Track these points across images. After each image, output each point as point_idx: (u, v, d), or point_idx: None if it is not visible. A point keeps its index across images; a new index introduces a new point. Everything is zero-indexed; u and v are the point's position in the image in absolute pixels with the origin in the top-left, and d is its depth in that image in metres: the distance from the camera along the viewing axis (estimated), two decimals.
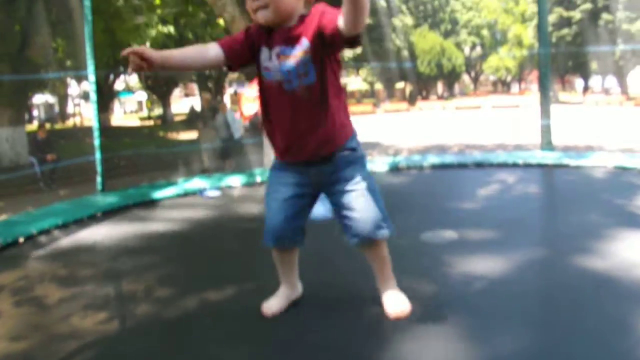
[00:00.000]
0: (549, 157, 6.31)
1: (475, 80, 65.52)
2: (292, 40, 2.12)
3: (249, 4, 2.12)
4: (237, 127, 13.13)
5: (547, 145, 7.12)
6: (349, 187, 2.24)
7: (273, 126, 2.26)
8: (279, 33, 2.15)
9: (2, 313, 2.71)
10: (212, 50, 2.19)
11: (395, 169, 6.39)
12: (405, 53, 47.51)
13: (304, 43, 2.11)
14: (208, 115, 13.77)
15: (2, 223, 4.72)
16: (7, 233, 4.13)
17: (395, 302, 2.34)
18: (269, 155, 9.44)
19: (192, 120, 33.11)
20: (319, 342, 2.17)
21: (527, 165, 6.05)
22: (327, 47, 2.09)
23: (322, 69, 2.13)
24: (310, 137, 2.19)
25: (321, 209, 3.33)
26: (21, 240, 4.07)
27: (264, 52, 2.19)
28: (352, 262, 2.79)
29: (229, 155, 12.97)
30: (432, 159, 6.73)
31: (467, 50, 60.73)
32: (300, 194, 2.31)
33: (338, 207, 2.29)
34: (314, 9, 2.13)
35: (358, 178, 2.25)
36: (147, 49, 2.08)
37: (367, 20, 1.95)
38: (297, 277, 2.52)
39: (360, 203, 2.23)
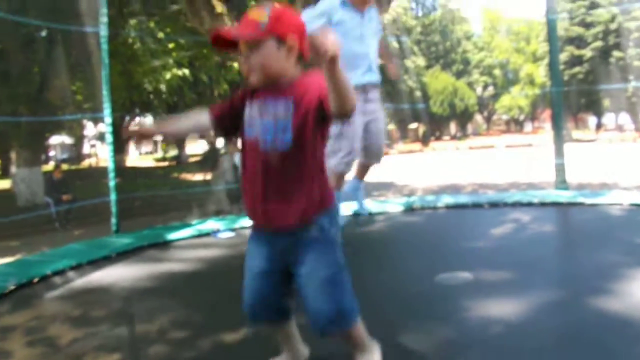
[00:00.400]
0: (563, 196, 6.27)
1: (488, 119, 65.61)
2: (276, 98, 2.07)
3: (243, 67, 2.11)
4: None
5: (561, 183, 7.09)
6: (305, 271, 2.07)
7: (245, 186, 2.16)
8: (265, 89, 2.10)
9: (14, 353, 2.71)
10: (203, 117, 2.21)
11: (409, 209, 6.37)
12: (418, 94, 47.83)
13: (288, 105, 2.05)
14: (211, 158, 13.86)
15: (17, 263, 4.74)
16: (22, 274, 4.14)
17: None
18: None
19: (206, 162, 33.30)
20: None
21: (542, 204, 6.02)
22: (323, 120, 2.03)
23: (302, 136, 2.03)
24: (278, 204, 2.07)
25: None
26: (35, 280, 4.09)
27: (247, 108, 2.15)
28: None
29: (238, 198, 12.98)
30: (447, 199, 6.71)
31: (479, 90, 60.97)
32: (270, 270, 2.15)
33: (298, 290, 2.13)
34: (310, 78, 2.07)
35: (317, 263, 2.07)
36: (143, 128, 2.22)
37: (354, 101, 1.90)
38: (299, 342, 2.35)
39: (312, 293, 2.06)
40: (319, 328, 2.06)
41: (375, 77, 4.16)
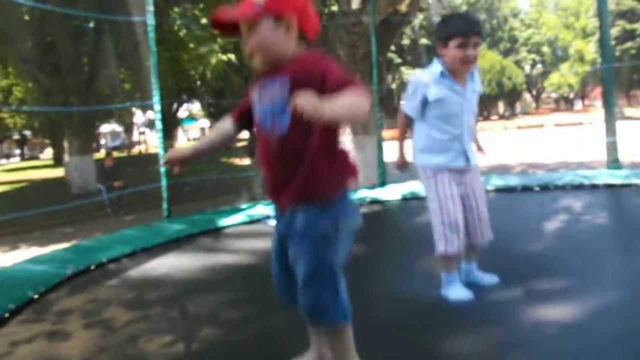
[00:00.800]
0: (616, 176, 6.14)
1: (537, 98, 64.40)
2: (274, 79, 2.02)
3: (244, 49, 2.07)
4: None
5: (613, 163, 6.94)
6: (291, 262, 2.04)
7: (261, 168, 2.15)
8: (266, 72, 2.06)
9: (73, 335, 2.81)
10: (227, 124, 2.23)
11: None
12: None
13: (285, 84, 1.98)
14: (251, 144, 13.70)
15: (74, 249, 4.87)
16: (79, 259, 4.27)
17: None
18: None
19: (253, 146, 33.47)
20: None
21: (593, 186, 5.89)
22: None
23: (301, 117, 1.82)
24: (278, 190, 2.05)
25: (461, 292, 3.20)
26: (92, 267, 4.21)
27: (253, 91, 2.13)
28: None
29: None
30: (496, 181, 6.63)
31: (527, 68, 59.83)
32: (279, 255, 2.15)
33: None
34: (311, 57, 2.01)
35: (299, 257, 2.01)
36: (180, 154, 2.23)
37: (364, 112, 1.83)
38: (325, 345, 2.19)
39: (301, 273, 2.00)
40: (305, 312, 2.03)
41: (468, 161, 3.46)
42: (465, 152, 3.41)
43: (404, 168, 3.61)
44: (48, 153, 46.53)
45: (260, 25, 1.98)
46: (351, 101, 1.81)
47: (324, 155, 1.99)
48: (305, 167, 1.97)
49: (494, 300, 2.98)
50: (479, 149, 3.73)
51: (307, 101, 1.71)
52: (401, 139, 3.57)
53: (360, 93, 1.84)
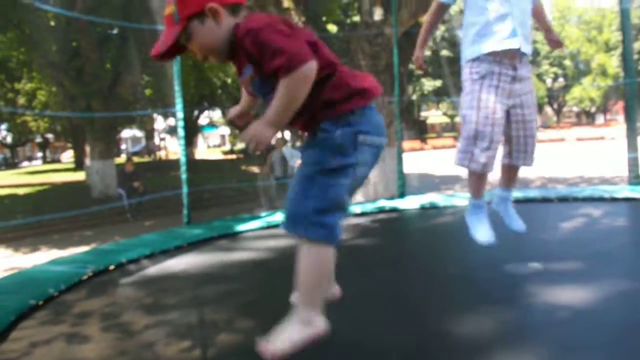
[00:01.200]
0: (637, 191, 6.09)
1: (558, 112, 63.93)
2: (240, 66, 2.05)
3: (197, 58, 2.09)
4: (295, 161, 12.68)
5: (635, 179, 6.88)
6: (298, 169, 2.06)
7: None
8: (230, 60, 2.07)
9: (92, 337, 2.83)
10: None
11: None
12: None
13: (245, 65, 2.01)
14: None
15: (94, 252, 4.93)
16: (99, 261, 4.31)
17: (275, 339, 1.98)
18: None
19: (259, 156, 33.60)
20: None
21: (614, 200, 5.85)
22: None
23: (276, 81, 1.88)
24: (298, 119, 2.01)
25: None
26: (111, 267, 4.25)
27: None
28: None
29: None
30: (515, 193, 6.59)
31: (549, 81, 59.45)
32: None
33: None
34: (245, 37, 1.89)
35: (305, 160, 2.02)
36: (236, 110, 2.38)
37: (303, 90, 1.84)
38: (332, 281, 2.27)
39: (290, 187, 2.00)
40: (283, 224, 2.00)
41: (520, 43, 3.08)
42: (515, 33, 3.05)
43: (421, 66, 3.44)
44: (68, 156, 47.00)
45: (190, 33, 1.94)
46: (284, 99, 1.83)
47: (322, 100, 1.97)
48: (322, 93, 1.96)
49: (513, 283, 2.98)
50: (551, 38, 3.40)
51: (246, 137, 1.84)
52: (426, 29, 3.38)
53: (291, 73, 1.79)
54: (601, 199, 5.89)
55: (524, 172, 3.65)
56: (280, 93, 1.83)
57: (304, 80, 1.82)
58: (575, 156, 24.21)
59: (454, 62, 36.98)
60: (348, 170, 1.97)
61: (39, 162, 52.22)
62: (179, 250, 4.87)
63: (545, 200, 6.17)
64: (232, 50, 1.99)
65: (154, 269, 4.27)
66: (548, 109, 63.51)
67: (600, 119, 63.09)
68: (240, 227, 5.64)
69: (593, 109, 61.72)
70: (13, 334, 2.94)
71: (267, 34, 1.83)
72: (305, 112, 1.95)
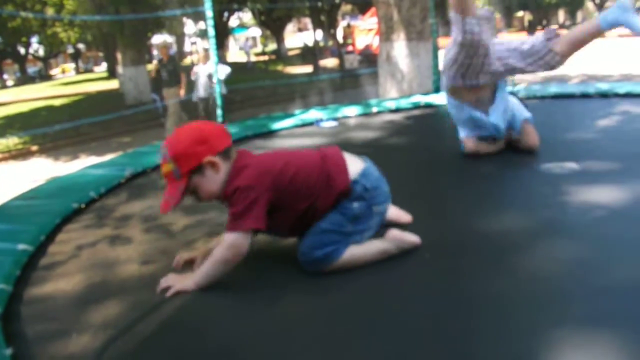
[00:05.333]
0: None
1: (600, 6, 61.16)
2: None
3: (199, 201, 2.29)
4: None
5: None
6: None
7: None
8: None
9: (134, 238, 2.85)
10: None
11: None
12: None
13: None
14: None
15: (132, 154, 4.92)
16: (136, 163, 4.31)
17: None
18: (384, 85, 9.31)
19: (305, 54, 33.22)
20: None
21: None
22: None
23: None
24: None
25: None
26: (149, 170, 4.25)
27: None
28: None
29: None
30: (553, 88, 6.34)
31: None
32: None
33: None
34: (230, 188, 2.14)
35: (326, 219, 2.20)
36: (188, 256, 2.42)
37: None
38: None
39: (309, 234, 2.20)
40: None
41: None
42: None
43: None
44: (102, 67, 47.12)
45: (193, 184, 2.15)
46: (209, 270, 2.08)
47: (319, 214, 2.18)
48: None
49: (548, 181, 2.96)
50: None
51: (165, 282, 2.11)
52: None
53: (229, 246, 2.06)
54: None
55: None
56: (209, 263, 2.09)
57: (223, 265, 2.09)
58: (618, 53, 23.28)
59: None
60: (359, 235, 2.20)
61: (72, 73, 52.47)
62: None
63: (584, 95, 5.90)
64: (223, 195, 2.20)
65: None
66: (589, 4, 60.87)
67: None
68: (275, 126, 5.58)
69: (638, 4, 59.02)
70: (59, 236, 2.97)
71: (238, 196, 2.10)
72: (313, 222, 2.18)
